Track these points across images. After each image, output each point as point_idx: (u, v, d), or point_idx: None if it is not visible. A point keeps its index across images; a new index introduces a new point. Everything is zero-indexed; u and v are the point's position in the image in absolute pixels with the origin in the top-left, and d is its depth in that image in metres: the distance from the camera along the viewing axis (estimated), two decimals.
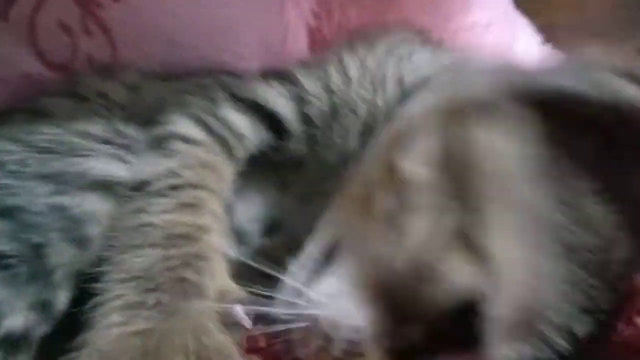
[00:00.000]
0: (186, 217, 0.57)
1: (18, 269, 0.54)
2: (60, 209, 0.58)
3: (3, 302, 0.53)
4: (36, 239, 0.56)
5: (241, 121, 0.70)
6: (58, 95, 0.77)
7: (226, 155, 0.67)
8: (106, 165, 0.64)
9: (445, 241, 0.50)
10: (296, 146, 0.72)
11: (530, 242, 0.50)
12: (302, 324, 0.53)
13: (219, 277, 0.56)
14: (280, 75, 0.77)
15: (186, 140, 0.65)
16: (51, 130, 0.66)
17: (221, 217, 0.61)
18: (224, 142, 0.68)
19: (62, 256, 0.56)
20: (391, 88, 0.73)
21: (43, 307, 0.55)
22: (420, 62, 0.78)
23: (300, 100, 0.72)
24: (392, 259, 0.52)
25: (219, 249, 0.57)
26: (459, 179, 0.53)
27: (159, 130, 0.67)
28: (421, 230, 0.51)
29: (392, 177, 0.56)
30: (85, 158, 0.63)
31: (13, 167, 0.60)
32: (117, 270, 0.54)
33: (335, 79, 0.74)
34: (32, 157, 0.62)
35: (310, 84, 0.74)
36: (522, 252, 0.49)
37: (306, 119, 0.72)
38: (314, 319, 0.53)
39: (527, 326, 0.47)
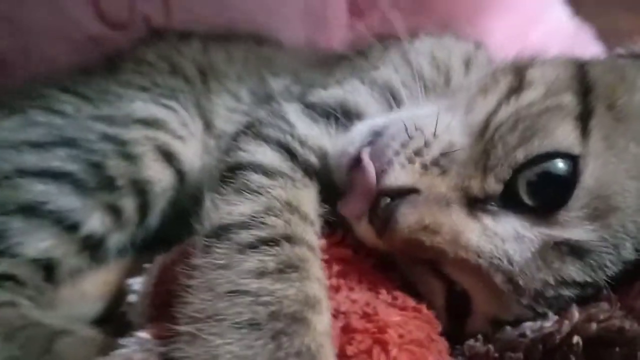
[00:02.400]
0: (291, 288, 0.43)
1: (85, 181, 0.63)
2: (111, 137, 0.67)
3: (79, 210, 0.62)
4: (95, 159, 0.65)
5: (315, 131, 0.58)
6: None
7: (308, 178, 0.54)
8: (147, 107, 0.72)
9: (565, 113, 0.49)
10: None
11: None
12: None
13: None
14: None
15: (266, 172, 0.53)
16: (100, 82, 0.76)
17: (324, 281, 0.47)
18: (305, 163, 0.55)
19: (119, 168, 0.65)
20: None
21: (114, 212, 0.64)
22: None
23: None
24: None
25: (329, 334, 0.43)
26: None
27: (233, 158, 0.55)
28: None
29: None
30: (128, 102, 0.72)
31: (70, 112, 0.71)
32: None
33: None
34: (84, 105, 0.72)
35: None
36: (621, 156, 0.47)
37: None
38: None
39: (603, 214, 0.45)
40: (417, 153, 0.49)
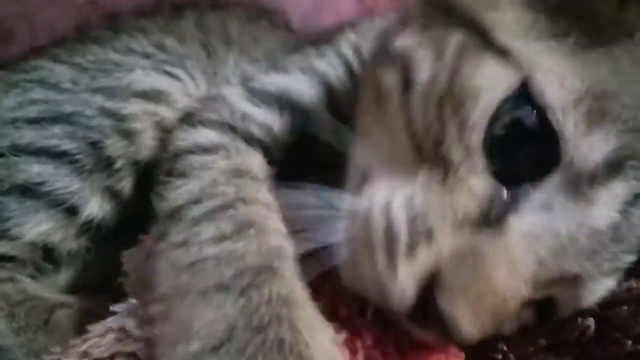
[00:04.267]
0: (252, 244, 0.42)
1: (83, 162, 0.62)
2: (110, 112, 0.64)
3: (78, 192, 0.61)
4: (93, 137, 0.63)
5: (257, 111, 0.57)
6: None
7: (252, 147, 0.54)
8: (148, 78, 0.69)
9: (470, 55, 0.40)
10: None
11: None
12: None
13: (317, 332, 0.40)
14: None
15: (205, 149, 0.52)
16: (96, 51, 0.73)
17: (284, 231, 0.46)
18: (247, 134, 0.55)
19: (117, 148, 0.63)
20: None
21: (113, 194, 0.63)
22: None
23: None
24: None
25: (298, 278, 0.42)
26: None
27: (171, 148, 0.55)
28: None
29: None
30: (127, 72, 0.68)
31: (67, 85, 0.68)
32: (184, 337, 0.38)
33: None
34: (81, 76, 0.68)
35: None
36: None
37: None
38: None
39: (599, 111, 0.37)
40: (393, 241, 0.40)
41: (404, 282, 0.38)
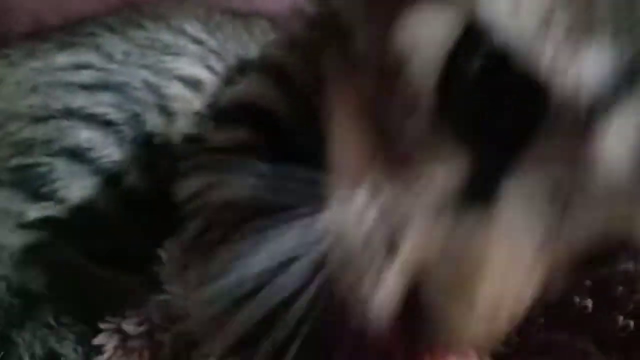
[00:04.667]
0: None
1: (126, 133, 0.66)
2: (154, 87, 0.69)
3: (121, 162, 0.65)
4: (136, 109, 0.67)
5: None
6: None
7: None
8: (191, 67, 0.73)
9: None
10: None
11: None
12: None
13: None
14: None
15: None
16: (152, 27, 0.76)
17: None
18: None
19: (156, 124, 0.67)
20: None
21: (151, 168, 0.66)
22: None
23: None
24: None
25: None
26: None
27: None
28: None
29: None
30: (175, 56, 0.73)
31: (119, 57, 0.72)
32: None
33: None
34: (133, 50, 0.73)
35: None
36: None
37: None
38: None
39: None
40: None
41: (385, 287, 0.32)
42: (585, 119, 0.28)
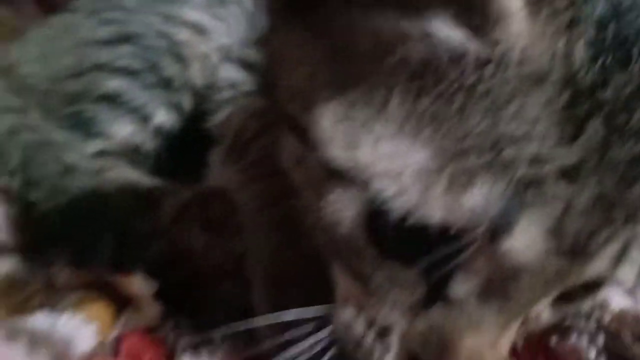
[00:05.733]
0: None
1: (148, 79, 0.79)
2: (167, 35, 0.81)
3: (148, 103, 0.79)
4: (153, 57, 0.80)
5: None
6: None
7: None
8: (198, 14, 0.84)
9: None
10: None
11: None
12: None
13: None
14: None
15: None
16: None
17: None
18: None
19: (173, 69, 0.80)
20: None
21: (176, 107, 0.81)
22: None
23: None
24: None
25: None
26: None
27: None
28: None
29: None
30: (182, 4, 0.84)
31: (132, 4, 0.84)
32: None
33: None
34: (144, 1, 0.84)
35: None
36: None
37: None
38: None
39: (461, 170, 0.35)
40: None
41: None
42: (490, 235, 0.35)
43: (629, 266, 0.39)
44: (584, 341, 0.45)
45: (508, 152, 0.33)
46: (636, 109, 0.34)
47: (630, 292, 0.49)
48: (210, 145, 0.73)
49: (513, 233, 0.34)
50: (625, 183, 0.35)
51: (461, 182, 0.34)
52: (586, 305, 0.44)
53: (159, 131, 0.80)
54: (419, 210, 0.35)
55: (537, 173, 0.33)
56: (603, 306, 0.47)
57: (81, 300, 0.60)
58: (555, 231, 0.35)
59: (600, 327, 0.47)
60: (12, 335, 0.51)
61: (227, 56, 0.79)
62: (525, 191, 0.34)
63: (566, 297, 0.42)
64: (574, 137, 0.33)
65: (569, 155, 0.34)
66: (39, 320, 0.55)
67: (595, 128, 0.33)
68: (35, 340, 0.51)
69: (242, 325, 0.47)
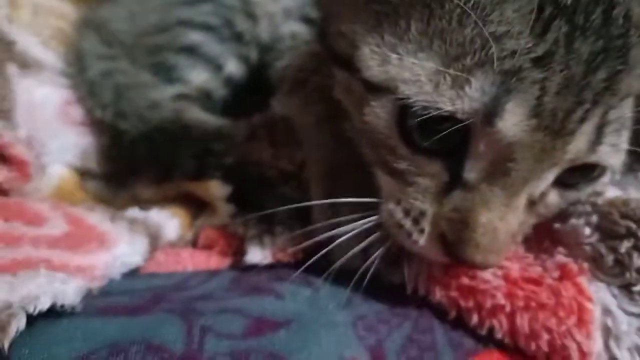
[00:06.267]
0: None
1: (223, 33, 0.90)
2: None
3: (221, 54, 0.89)
4: (227, 15, 0.91)
5: None
6: None
7: None
8: None
9: None
10: None
11: None
12: None
13: None
14: None
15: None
16: None
17: None
18: None
19: (245, 25, 0.91)
20: None
21: (244, 59, 0.91)
22: None
23: None
24: None
25: None
26: None
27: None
28: None
29: None
30: None
31: None
32: None
33: None
34: None
35: None
36: None
37: None
38: None
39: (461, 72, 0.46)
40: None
41: (424, 245, 0.52)
42: (486, 118, 0.45)
43: (610, 148, 0.48)
44: (581, 221, 0.55)
45: (494, 49, 0.44)
46: (594, 12, 0.44)
47: (622, 186, 0.58)
48: (269, 94, 0.83)
49: (503, 115, 0.45)
50: (589, 70, 0.44)
51: (462, 78, 0.45)
52: (584, 193, 0.55)
53: (229, 80, 0.90)
54: (434, 104, 0.46)
55: (515, 64, 0.44)
56: (598, 194, 0.56)
57: (163, 207, 0.70)
58: (536, 110, 0.44)
59: (594, 209, 0.55)
60: (115, 219, 0.61)
61: (289, 14, 0.88)
62: (510, 80, 0.44)
63: (568, 185, 0.52)
64: (543, 33, 0.43)
65: (539, 48, 0.43)
66: (134, 211, 0.65)
67: (559, 26, 0.43)
68: (134, 222, 0.61)
69: (300, 218, 0.58)
